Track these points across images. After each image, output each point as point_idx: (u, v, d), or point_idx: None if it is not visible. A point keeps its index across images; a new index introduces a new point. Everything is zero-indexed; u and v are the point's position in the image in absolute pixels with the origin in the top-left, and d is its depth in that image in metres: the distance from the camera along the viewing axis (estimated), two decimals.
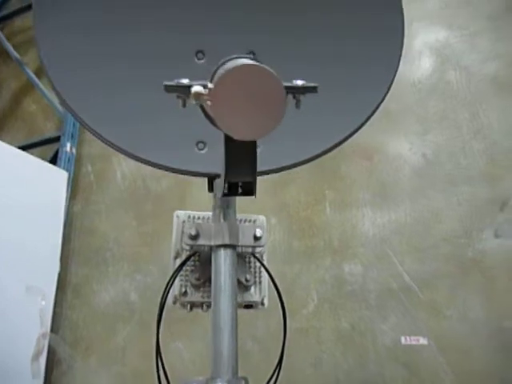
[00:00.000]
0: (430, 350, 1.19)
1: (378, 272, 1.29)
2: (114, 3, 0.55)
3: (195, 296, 0.67)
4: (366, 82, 0.58)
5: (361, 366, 1.23)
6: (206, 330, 1.48)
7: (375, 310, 1.26)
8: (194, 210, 1.68)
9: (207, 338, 1.49)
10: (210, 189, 0.57)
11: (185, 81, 0.38)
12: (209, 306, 0.68)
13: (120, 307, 1.58)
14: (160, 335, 0.68)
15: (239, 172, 0.36)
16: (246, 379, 0.57)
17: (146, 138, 0.57)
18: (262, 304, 0.70)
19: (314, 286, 1.35)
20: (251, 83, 0.29)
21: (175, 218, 0.72)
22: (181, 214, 0.72)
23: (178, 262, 0.68)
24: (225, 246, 0.58)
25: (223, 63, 0.35)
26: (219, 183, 0.53)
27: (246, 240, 0.59)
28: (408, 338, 1.21)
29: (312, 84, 0.30)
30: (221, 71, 0.29)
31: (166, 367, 1.45)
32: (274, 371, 0.66)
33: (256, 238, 0.60)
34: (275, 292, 0.69)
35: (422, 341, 1.19)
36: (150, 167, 1.79)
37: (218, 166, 0.56)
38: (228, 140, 0.33)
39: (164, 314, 1.51)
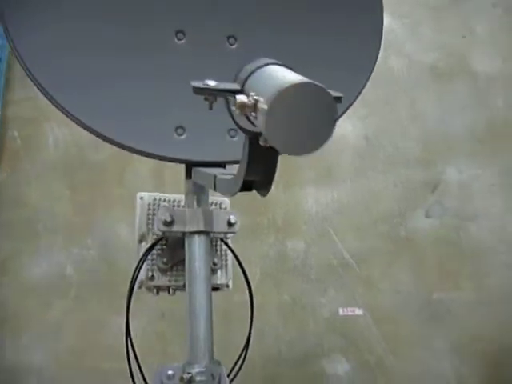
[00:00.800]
0: (365, 320, 1.29)
1: (319, 249, 1.35)
2: None
3: (162, 280, 0.66)
4: (343, 76, 0.59)
5: (301, 337, 1.30)
6: (150, 305, 1.47)
7: (315, 284, 1.33)
8: (134, 182, 1.62)
9: (150, 313, 1.47)
10: (188, 175, 0.55)
11: (211, 83, 0.36)
12: (175, 290, 0.68)
13: (54, 282, 1.50)
14: (126, 320, 0.66)
15: (258, 172, 0.35)
16: (219, 362, 0.58)
17: (123, 122, 0.54)
18: (227, 286, 0.71)
19: (258, 262, 1.39)
20: (305, 100, 0.28)
21: (138, 200, 0.70)
22: (145, 195, 0.70)
23: (144, 245, 0.66)
24: (199, 232, 0.58)
25: (255, 69, 0.33)
26: (202, 173, 0.52)
27: (220, 226, 0.59)
28: (345, 309, 1.30)
29: (338, 94, 0.30)
30: (273, 87, 0.28)
31: (109, 343, 1.41)
32: (242, 351, 0.68)
33: (230, 224, 0.60)
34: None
35: (358, 312, 1.28)
36: (87, 134, 1.69)
37: (196, 152, 0.55)
38: (254, 144, 0.33)
39: (110, 291, 1.46)
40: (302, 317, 1.31)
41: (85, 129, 0.53)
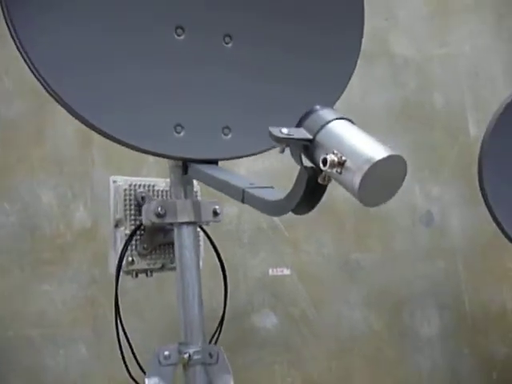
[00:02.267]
0: (291, 279, 1.42)
1: (250, 214, 1.44)
2: None
3: (141, 264, 0.68)
4: (329, 69, 0.64)
5: (233, 295, 1.39)
6: (76, 270, 1.44)
7: (247, 247, 1.42)
8: (56, 142, 1.53)
9: (77, 279, 1.45)
10: (185, 171, 0.57)
11: (285, 130, 0.38)
12: (152, 271, 0.70)
13: None
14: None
15: (306, 202, 0.40)
16: None
17: (122, 117, 0.53)
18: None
19: None
20: (389, 167, 0.33)
21: (112, 184, 0.70)
22: (118, 179, 0.70)
23: (122, 230, 0.67)
24: (189, 223, 0.61)
25: (326, 123, 0.37)
26: (201, 172, 0.55)
27: (206, 216, 0.63)
28: (274, 269, 1.42)
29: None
30: (365, 157, 0.32)
31: (36, 310, 1.38)
32: (217, 329, 0.73)
33: (215, 214, 0.64)
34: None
35: (286, 272, 1.41)
36: None
37: (194, 149, 0.57)
38: (312, 180, 0.37)
39: (33, 258, 1.40)
40: (234, 277, 1.40)
41: (86, 125, 0.52)
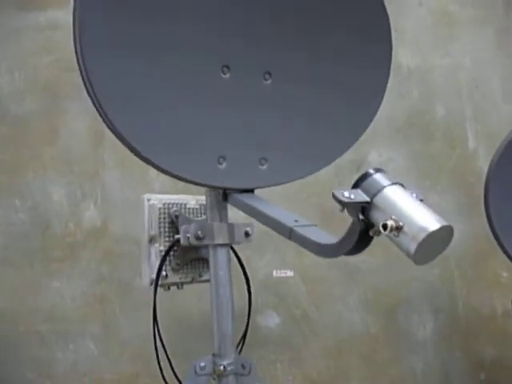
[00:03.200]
0: (294, 280, 1.48)
1: None
2: (152, 19, 0.52)
3: (174, 278, 0.73)
4: (356, 108, 0.69)
5: (239, 296, 1.44)
6: (85, 268, 1.49)
7: (254, 249, 1.47)
8: (67, 141, 1.56)
9: (86, 277, 1.49)
10: (225, 199, 0.62)
11: (346, 193, 0.43)
12: (183, 285, 0.75)
13: None
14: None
15: (356, 249, 0.45)
16: None
17: (171, 150, 0.57)
18: None
19: None
20: (441, 233, 0.39)
21: (146, 202, 0.74)
22: (152, 198, 0.74)
23: (157, 247, 0.71)
24: (224, 244, 0.65)
25: (382, 188, 0.41)
26: (240, 202, 0.59)
27: (239, 237, 0.67)
28: (278, 271, 1.47)
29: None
30: (421, 225, 0.38)
31: (46, 306, 1.42)
32: (241, 340, 0.78)
33: (247, 235, 0.68)
34: None
35: (289, 273, 1.47)
36: (7, 85, 1.57)
37: (233, 179, 0.62)
38: (363, 232, 0.42)
39: (43, 256, 1.43)
40: (240, 278, 1.45)
41: (140, 158, 0.55)
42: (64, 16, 1.53)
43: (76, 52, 0.49)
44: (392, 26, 1.63)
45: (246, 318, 0.81)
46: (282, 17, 0.61)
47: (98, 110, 0.52)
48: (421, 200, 0.47)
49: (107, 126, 0.54)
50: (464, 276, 1.55)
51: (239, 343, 0.79)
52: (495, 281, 1.55)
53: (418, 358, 1.49)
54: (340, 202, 0.44)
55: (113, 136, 1.56)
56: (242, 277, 0.84)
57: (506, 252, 0.80)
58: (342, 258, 1.57)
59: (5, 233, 1.42)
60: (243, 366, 0.63)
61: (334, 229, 1.59)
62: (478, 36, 1.64)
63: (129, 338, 1.41)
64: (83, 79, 0.50)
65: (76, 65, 1.54)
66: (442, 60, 1.62)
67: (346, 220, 1.73)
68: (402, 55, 1.60)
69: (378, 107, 0.69)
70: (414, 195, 0.47)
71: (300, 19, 0.62)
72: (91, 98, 0.52)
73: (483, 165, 1.58)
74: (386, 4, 1.60)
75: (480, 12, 1.65)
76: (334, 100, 0.64)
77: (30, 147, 1.46)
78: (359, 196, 0.44)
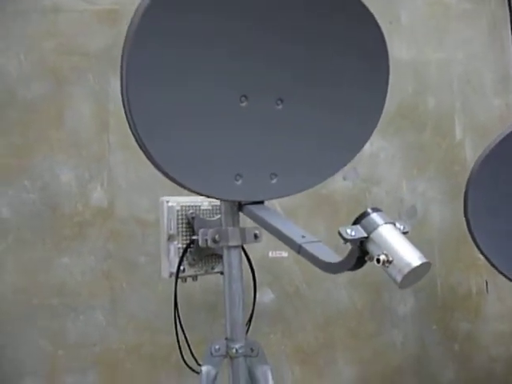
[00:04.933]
0: (288, 261, 1.60)
1: None
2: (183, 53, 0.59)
3: (190, 271, 0.83)
4: (354, 129, 0.77)
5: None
6: (93, 246, 1.58)
7: None
8: (74, 126, 1.63)
9: (94, 254, 1.59)
10: (240, 209, 0.71)
11: (349, 230, 0.52)
12: (197, 277, 0.85)
13: None
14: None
15: (353, 267, 0.55)
16: None
17: (194, 168, 0.66)
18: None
19: None
20: (422, 267, 0.49)
21: (165, 204, 0.82)
22: (170, 200, 0.82)
23: (175, 244, 0.81)
24: (237, 246, 0.75)
25: (377, 226, 0.51)
26: (254, 214, 0.68)
27: (249, 239, 0.77)
28: (274, 252, 1.58)
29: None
30: (407, 261, 0.48)
31: (57, 281, 1.52)
32: (247, 324, 0.89)
33: (256, 237, 0.78)
34: None
35: (284, 254, 1.58)
36: (13, 68, 1.63)
37: (247, 193, 0.71)
38: (361, 257, 0.52)
39: (53, 233, 1.51)
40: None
41: (165, 176, 0.63)
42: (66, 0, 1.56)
43: (121, 80, 0.56)
44: (388, 17, 1.68)
45: (252, 306, 0.91)
46: (291, 46, 0.68)
47: (132, 131, 0.59)
48: (406, 232, 0.57)
49: (140, 146, 0.62)
50: (444, 258, 1.68)
51: (247, 326, 0.90)
52: (472, 263, 1.68)
53: (398, 331, 1.64)
54: (344, 238, 0.54)
55: (118, 120, 1.62)
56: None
57: (475, 241, 0.91)
58: (333, 244, 1.69)
59: (17, 212, 1.50)
60: (252, 349, 0.74)
61: (327, 214, 1.68)
62: (472, 30, 1.70)
63: (134, 311, 1.52)
64: (123, 103, 0.58)
65: (79, 49, 1.57)
66: (435, 53, 1.68)
67: (338, 205, 1.80)
68: (397, 47, 1.66)
69: (374, 127, 0.78)
70: (402, 227, 0.57)
71: (307, 46, 0.69)
72: (128, 120, 0.59)
73: (468, 155, 1.68)
74: None
75: (474, 6, 1.70)
76: (335, 121, 0.72)
77: (37, 130, 1.52)
78: (359, 232, 0.54)
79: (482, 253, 0.91)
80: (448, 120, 1.69)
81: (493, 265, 0.93)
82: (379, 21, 1.66)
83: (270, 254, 1.62)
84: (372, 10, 1.69)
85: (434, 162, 1.68)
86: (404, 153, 1.66)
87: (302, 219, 1.62)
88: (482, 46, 1.70)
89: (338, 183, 1.63)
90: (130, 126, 0.59)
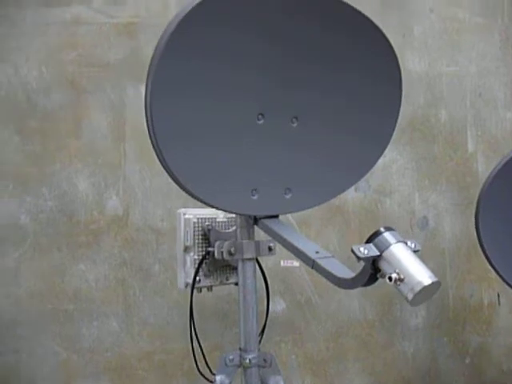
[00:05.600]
0: (299, 270, 1.61)
1: None
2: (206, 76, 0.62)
3: (206, 282, 0.85)
4: (365, 150, 0.79)
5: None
6: (108, 253, 1.61)
7: None
8: (91, 135, 1.66)
9: (109, 261, 1.62)
10: (255, 223, 0.73)
11: (362, 248, 0.54)
12: (212, 287, 0.87)
13: (7, 230, 1.52)
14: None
15: (365, 283, 0.57)
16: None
17: (212, 184, 0.68)
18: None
19: None
20: (432, 285, 0.51)
21: (182, 216, 0.85)
22: (187, 212, 0.85)
23: (191, 256, 0.83)
24: (251, 258, 0.77)
25: (389, 245, 0.53)
26: (268, 228, 0.70)
27: (263, 252, 0.79)
28: (286, 261, 1.60)
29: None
30: (418, 280, 0.50)
31: (72, 287, 1.54)
32: (260, 335, 0.90)
33: (270, 250, 0.80)
34: None
35: (295, 264, 1.59)
36: (33, 79, 1.67)
37: (262, 207, 0.73)
38: (373, 275, 0.54)
39: (69, 241, 1.54)
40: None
41: (180, 187, 0.66)
42: (87, 12, 1.60)
43: (146, 94, 0.59)
44: (401, 31, 1.70)
45: (264, 318, 0.93)
46: (307, 66, 0.70)
47: (152, 143, 0.62)
48: (417, 250, 0.59)
49: (159, 160, 0.64)
50: (456, 269, 1.68)
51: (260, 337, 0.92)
52: (484, 275, 1.68)
53: (409, 343, 1.64)
54: (357, 256, 0.56)
55: (134, 130, 1.66)
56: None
57: (486, 256, 0.92)
58: (344, 254, 1.70)
59: (34, 219, 1.53)
60: (265, 360, 0.76)
61: (339, 224, 1.69)
62: (484, 44, 1.71)
63: (147, 318, 1.55)
64: (146, 116, 0.60)
65: (97, 61, 1.62)
66: (448, 66, 1.70)
67: (350, 215, 1.81)
68: (410, 60, 1.68)
69: (385, 148, 0.80)
70: (413, 245, 0.58)
71: (322, 67, 0.71)
72: (149, 134, 0.61)
73: (480, 168, 1.69)
74: (399, 9, 1.66)
75: (487, 21, 1.71)
76: (347, 140, 0.74)
77: (56, 139, 1.56)
78: (372, 250, 0.56)
79: (492, 267, 0.92)
80: (460, 132, 1.69)
81: (504, 280, 0.94)
82: (393, 34, 1.68)
83: (282, 263, 1.63)
84: (386, 23, 1.71)
85: (445, 174, 1.68)
86: (416, 164, 1.67)
87: (315, 229, 1.63)
88: (494, 60, 1.71)
89: (350, 194, 1.64)
90: (150, 139, 0.62)
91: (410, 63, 1.68)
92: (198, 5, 0.56)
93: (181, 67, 0.58)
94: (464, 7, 1.71)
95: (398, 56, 1.68)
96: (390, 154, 1.66)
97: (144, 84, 1.67)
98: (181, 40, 0.56)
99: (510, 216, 0.98)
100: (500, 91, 1.70)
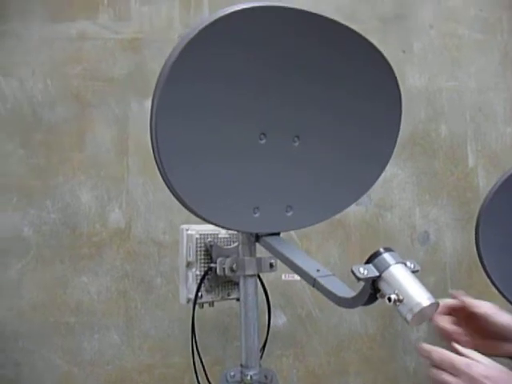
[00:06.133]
0: (301, 284, 1.61)
1: None
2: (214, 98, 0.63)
3: (207, 297, 0.86)
4: (364, 170, 0.80)
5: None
6: (110, 266, 1.62)
7: (265, 254, 1.60)
8: (95, 148, 1.68)
9: (111, 274, 1.63)
10: (256, 240, 0.74)
11: (361, 269, 0.55)
12: (214, 303, 0.87)
13: (10, 242, 1.54)
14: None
15: (365, 303, 0.58)
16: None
17: (214, 202, 0.69)
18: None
19: None
20: (429, 306, 0.52)
21: (184, 232, 0.86)
22: (190, 228, 0.86)
23: (194, 271, 0.84)
24: (252, 275, 0.78)
25: (388, 266, 0.54)
26: (270, 246, 0.71)
27: (265, 268, 0.80)
28: (287, 275, 1.60)
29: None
30: (417, 301, 0.50)
31: (74, 299, 1.55)
32: (261, 351, 0.91)
33: (271, 266, 0.81)
34: None
35: (296, 277, 1.59)
36: (39, 93, 1.69)
37: (264, 225, 0.74)
38: (373, 295, 0.55)
39: (72, 253, 1.55)
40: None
41: (183, 205, 0.67)
42: (92, 27, 1.63)
43: (151, 113, 0.60)
44: (401, 46, 1.72)
45: (266, 333, 0.94)
46: (308, 85, 0.71)
47: (157, 163, 0.63)
48: (417, 271, 0.60)
49: (162, 178, 0.65)
50: (457, 284, 1.68)
51: (261, 352, 0.93)
52: (486, 290, 1.67)
53: (411, 357, 1.64)
54: (356, 277, 0.57)
55: (137, 144, 1.67)
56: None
57: (486, 272, 0.92)
58: (345, 268, 1.71)
59: (37, 231, 1.55)
60: (266, 377, 0.76)
61: (340, 238, 1.69)
62: (484, 59, 1.73)
63: (148, 331, 1.55)
64: (151, 135, 0.61)
65: (102, 75, 1.64)
66: (448, 82, 1.71)
67: (351, 229, 1.81)
68: (410, 76, 1.70)
69: (384, 167, 0.81)
70: (412, 265, 0.59)
71: (323, 85, 0.73)
72: (153, 151, 0.63)
73: (481, 182, 1.69)
74: (399, 26, 1.69)
75: (486, 37, 1.73)
76: (347, 158, 0.75)
77: (60, 152, 1.58)
78: (371, 271, 0.57)
79: (492, 283, 0.93)
80: (460, 147, 1.71)
81: (504, 296, 0.94)
82: (393, 50, 1.71)
83: (283, 277, 1.64)
84: (386, 39, 1.73)
85: (446, 189, 1.69)
86: (417, 179, 1.68)
87: (316, 243, 1.64)
88: (494, 76, 1.72)
89: (351, 208, 1.64)
90: (154, 156, 0.63)
91: (410, 78, 1.70)
92: (204, 29, 0.57)
93: (185, 90, 0.59)
94: (463, 23, 1.73)
95: (399, 71, 1.69)
96: (390, 168, 1.68)
97: (147, 99, 1.70)
98: (185, 64, 0.57)
99: (511, 232, 0.99)
100: (500, 106, 1.71)
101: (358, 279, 0.58)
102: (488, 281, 1.65)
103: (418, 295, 0.56)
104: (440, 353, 0.65)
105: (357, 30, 1.79)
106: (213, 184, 0.67)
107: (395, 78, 0.76)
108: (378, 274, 0.57)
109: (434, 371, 0.64)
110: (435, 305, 0.56)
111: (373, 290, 0.59)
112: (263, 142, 0.69)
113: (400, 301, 0.56)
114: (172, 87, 0.58)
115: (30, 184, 1.55)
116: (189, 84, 0.60)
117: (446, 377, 0.62)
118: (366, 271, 0.58)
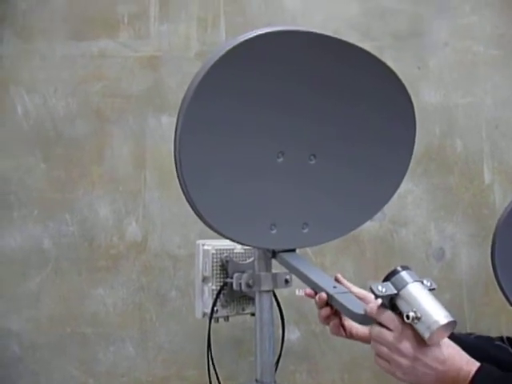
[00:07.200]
0: (314, 300, 1.61)
1: None
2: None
3: (223, 312, 0.87)
4: (379, 187, 0.81)
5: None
6: (126, 278, 1.63)
7: (280, 269, 1.61)
8: (113, 163, 1.71)
9: (127, 286, 1.64)
10: (273, 256, 0.75)
11: (380, 287, 0.56)
12: (229, 317, 0.89)
13: (31, 255, 1.57)
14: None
15: None
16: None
17: (233, 219, 0.71)
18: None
19: None
20: (447, 324, 0.53)
21: (200, 247, 0.87)
22: (206, 243, 0.88)
23: (209, 286, 0.85)
24: (268, 290, 0.79)
25: (406, 284, 0.55)
26: (287, 262, 0.72)
27: (280, 284, 0.81)
28: (301, 290, 1.60)
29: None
30: (435, 319, 0.52)
31: (91, 311, 1.57)
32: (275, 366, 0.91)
33: (286, 282, 0.82)
34: None
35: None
36: (60, 109, 1.74)
37: (280, 241, 0.75)
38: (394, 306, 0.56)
39: (90, 265, 1.57)
40: None
41: (202, 221, 0.68)
42: (113, 46, 1.68)
43: (176, 131, 0.62)
44: (416, 63, 1.73)
45: (279, 349, 0.94)
46: (324, 104, 0.73)
47: (179, 179, 0.64)
48: (433, 289, 0.60)
49: (184, 195, 0.67)
50: (473, 302, 1.66)
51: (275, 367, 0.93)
52: (503, 308, 1.65)
53: None
54: (375, 294, 0.58)
55: (154, 159, 1.70)
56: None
57: (502, 290, 0.91)
58: (360, 284, 1.70)
59: (57, 244, 1.58)
60: None
61: (354, 254, 1.68)
62: (500, 76, 1.73)
63: (163, 343, 1.56)
64: (174, 155, 0.63)
65: (121, 92, 1.68)
66: (463, 98, 1.72)
67: (365, 245, 1.80)
68: (426, 92, 1.71)
69: (399, 185, 0.82)
70: (429, 283, 0.60)
71: (339, 103, 0.74)
72: (176, 169, 0.64)
73: (498, 199, 1.68)
74: (414, 43, 1.70)
75: (502, 52, 1.74)
76: (362, 176, 0.77)
77: (80, 167, 1.62)
78: (389, 289, 0.58)
79: (508, 301, 0.92)
80: (476, 163, 1.70)
81: None
82: (408, 66, 1.72)
83: (297, 292, 1.63)
84: (401, 56, 1.74)
85: (462, 205, 1.68)
86: (431, 195, 1.67)
87: (330, 259, 1.64)
88: (510, 92, 1.72)
89: (366, 224, 1.64)
90: (177, 173, 0.64)
91: (426, 95, 1.70)
92: (229, 51, 0.60)
93: (208, 109, 0.62)
94: (479, 40, 1.74)
95: (414, 88, 1.71)
96: (405, 184, 1.67)
97: (164, 114, 1.73)
98: (209, 85, 0.59)
99: None
100: None
101: (377, 296, 0.59)
102: (505, 299, 1.63)
103: (436, 313, 0.56)
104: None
105: (372, 47, 1.80)
106: (232, 201, 0.69)
107: (409, 96, 0.77)
108: (395, 291, 0.58)
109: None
110: (453, 323, 0.56)
111: (391, 308, 0.60)
112: (281, 160, 0.71)
113: (418, 319, 0.56)
114: (196, 107, 0.60)
115: (51, 197, 1.59)
116: (211, 104, 0.62)
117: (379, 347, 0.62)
118: (384, 289, 0.59)
